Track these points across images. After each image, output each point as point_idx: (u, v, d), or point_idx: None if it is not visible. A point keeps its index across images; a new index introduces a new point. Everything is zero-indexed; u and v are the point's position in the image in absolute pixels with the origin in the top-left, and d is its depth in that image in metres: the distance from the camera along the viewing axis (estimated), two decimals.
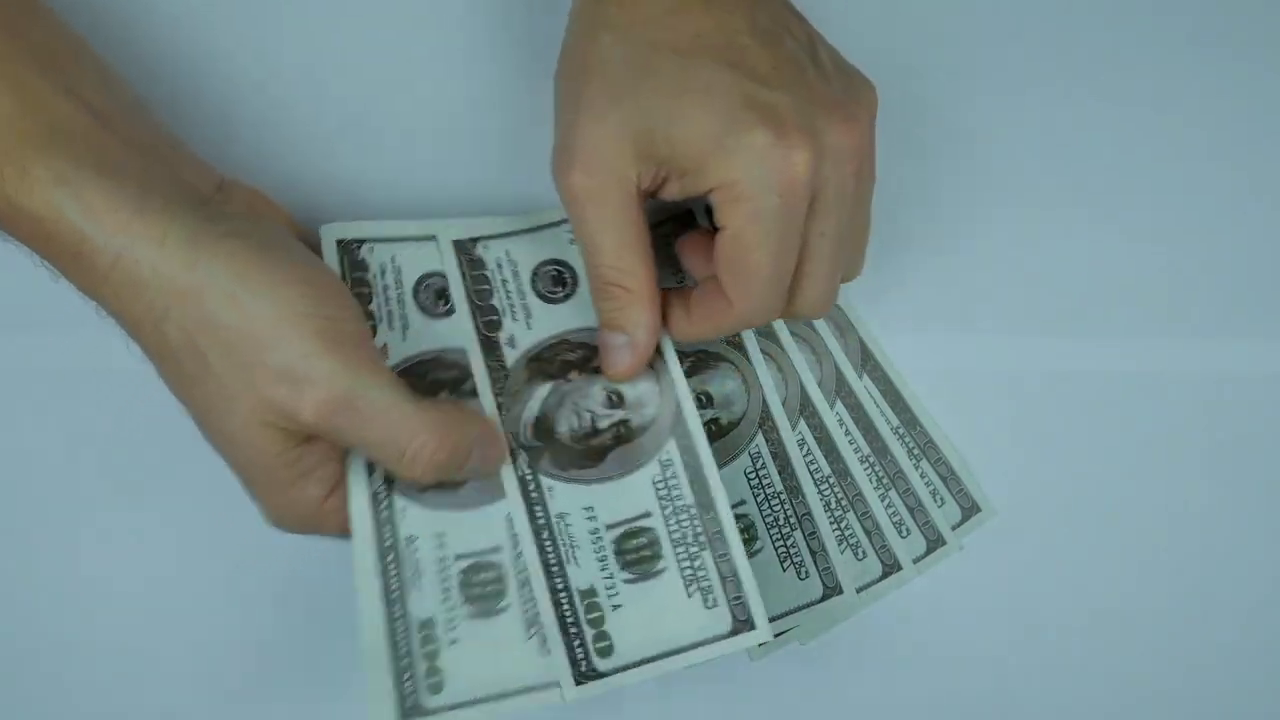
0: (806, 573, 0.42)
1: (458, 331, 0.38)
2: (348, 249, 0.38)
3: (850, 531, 0.42)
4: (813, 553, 0.42)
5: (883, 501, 0.43)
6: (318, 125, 0.42)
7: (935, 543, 0.43)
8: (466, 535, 0.36)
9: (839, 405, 0.43)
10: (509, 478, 0.37)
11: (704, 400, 0.40)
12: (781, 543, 0.42)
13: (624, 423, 0.38)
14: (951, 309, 0.44)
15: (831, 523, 0.42)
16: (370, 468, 0.35)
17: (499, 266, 0.40)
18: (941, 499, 0.43)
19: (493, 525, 0.36)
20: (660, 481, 0.37)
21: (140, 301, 0.30)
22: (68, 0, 0.36)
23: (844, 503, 0.42)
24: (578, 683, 0.35)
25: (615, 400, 0.38)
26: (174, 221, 0.30)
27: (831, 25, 0.45)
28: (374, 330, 0.37)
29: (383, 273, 0.38)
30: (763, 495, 0.42)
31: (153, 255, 0.30)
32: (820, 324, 0.44)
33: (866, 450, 0.43)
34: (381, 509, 0.35)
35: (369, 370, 0.32)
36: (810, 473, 0.42)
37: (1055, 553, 0.43)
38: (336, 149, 0.42)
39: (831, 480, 0.42)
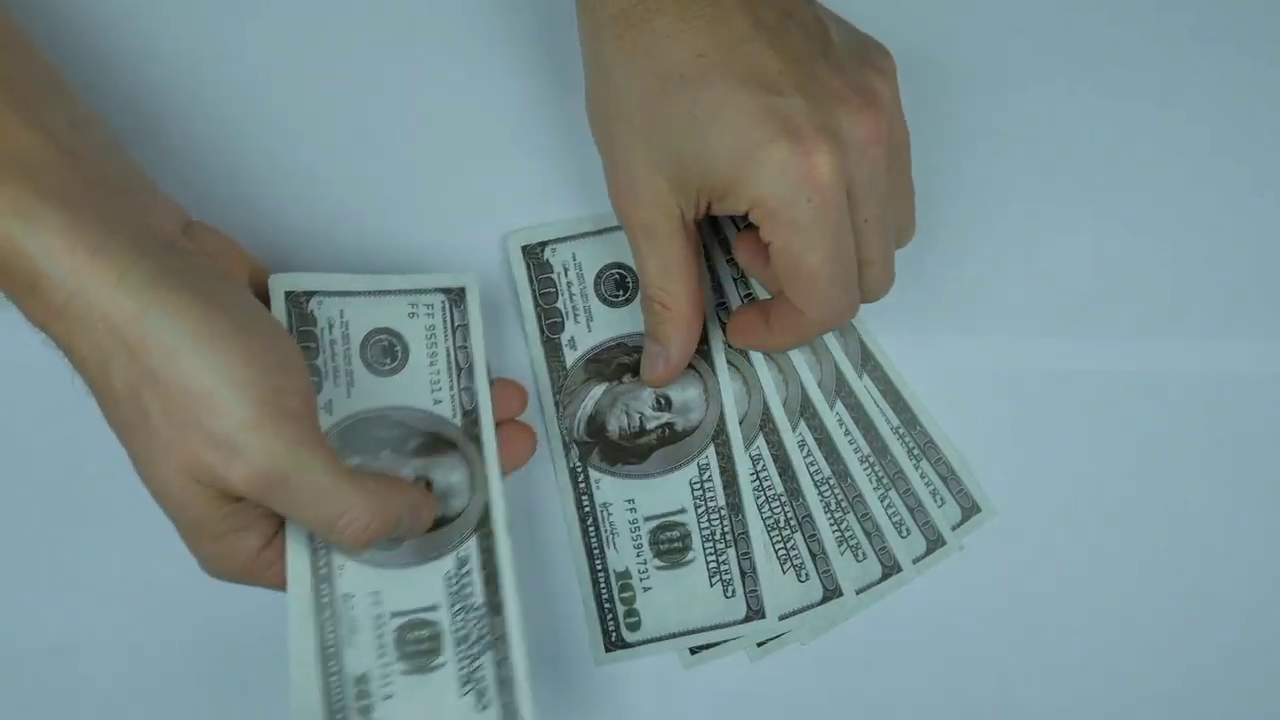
0: (806, 575, 0.42)
1: (404, 390, 0.38)
2: (296, 301, 0.37)
3: (850, 533, 0.42)
4: (813, 555, 0.42)
5: (883, 502, 0.43)
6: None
7: (935, 543, 0.43)
8: (403, 593, 0.36)
9: (839, 405, 0.43)
10: (561, 469, 0.41)
11: (663, 403, 0.42)
12: (782, 545, 0.42)
13: (669, 425, 0.41)
14: (951, 309, 0.44)
15: (831, 524, 0.42)
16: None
17: (564, 270, 0.42)
18: (941, 499, 0.43)
19: (430, 584, 0.36)
20: (697, 483, 0.41)
21: (88, 342, 0.30)
22: (39, 33, 0.36)
23: (844, 504, 0.42)
24: (607, 650, 0.40)
25: (663, 404, 0.41)
26: (131, 267, 0.30)
27: None
28: (319, 386, 0.37)
29: (330, 327, 0.38)
30: (763, 497, 0.42)
31: (104, 299, 0.30)
32: None
33: (866, 450, 0.43)
34: (320, 566, 0.35)
35: (305, 446, 0.31)
36: (810, 474, 0.42)
37: (1055, 553, 0.43)
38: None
39: (831, 481, 0.42)
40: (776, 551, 0.42)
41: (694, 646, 0.41)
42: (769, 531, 0.42)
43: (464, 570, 0.37)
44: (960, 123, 0.45)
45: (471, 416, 0.38)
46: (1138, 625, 0.43)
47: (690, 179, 0.34)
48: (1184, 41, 0.46)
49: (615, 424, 0.41)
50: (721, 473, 0.41)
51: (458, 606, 0.37)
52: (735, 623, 0.40)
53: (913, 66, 0.44)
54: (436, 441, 0.38)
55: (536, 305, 0.42)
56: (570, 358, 0.42)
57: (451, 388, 0.38)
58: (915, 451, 0.43)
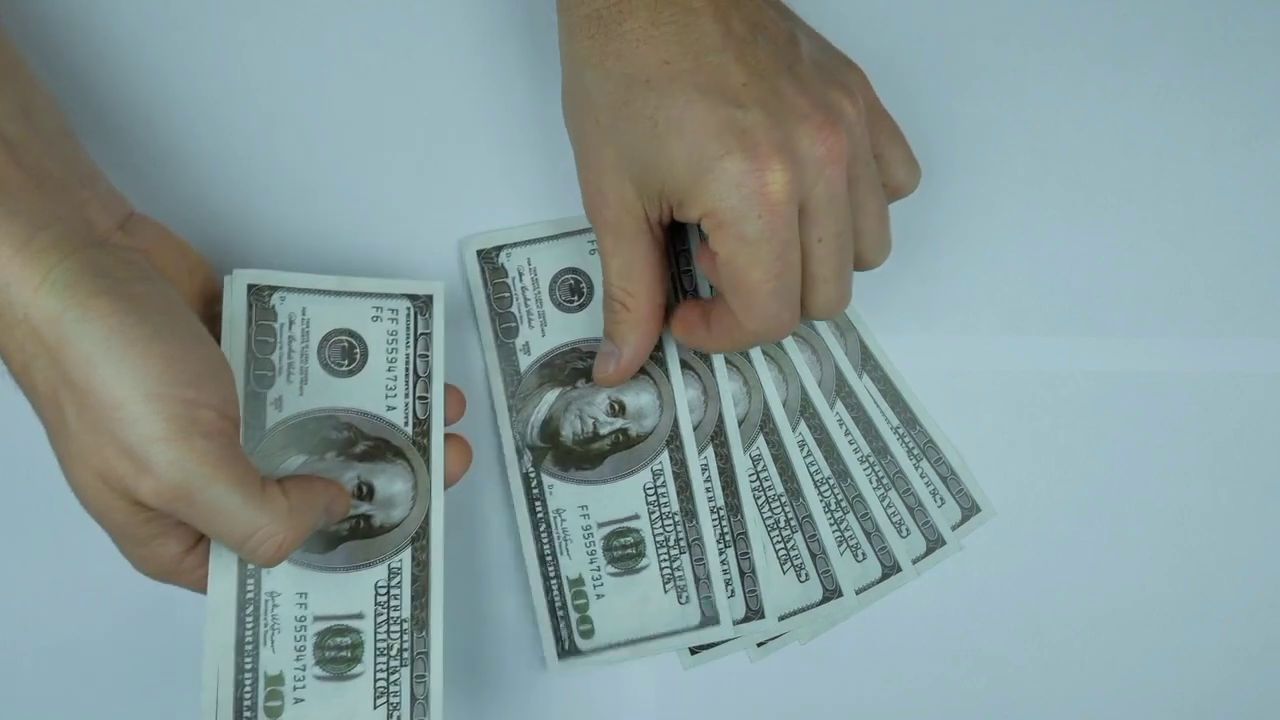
0: (806, 575, 0.42)
1: (357, 392, 0.37)
2: (259, 294, 0.37)
3: (850, 533, 0.42)
4: (813, 555, 0.42)
5: (883, 502, 0.43)
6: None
7: (935, 543, 0.43)
8: (330, 598, 0.36)
9: (839, 405, 0.43)
10: (514, 475, 0.40)
11: (617, 408, 0.41)
12: (782, 545, 0.42)
13: (623, 431, 0.41)
14: (951, 309, 0.44)
15: (831, 524, 0.42)
16: None
17: (519, 274, 0.41)
18: (941, 499, 0.43)
19: (359, 591, 0.36)
20: (650, 489, 0.41)
21: (13, 340, 0.30)
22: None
23: (844, 504, 0.42)
24: (560, 657, 0.40)
25: (617, 410, 0.41)
26: (55, 265, 0.30)
27: (830, 24, 0.44)
28: (270, 381, 0.36)
29: (290, 323, 0.37)
30: (763, 497, 0.42)
31: (26, 299, 0.29)
32: (820, 324, 0.44)
33: (866, 450, 0.43)
34: (248, 562, 0.35)
35: (214, 465, 0.30)
36: (810, 474, 0.42)
37: (1055, 553, 0.43)
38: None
39: (831, 482, 0.42)
40: (777, 551, 0.42)
41: (693, 647, 0.41)
42: (770, 533, 0.42)
43: (394, 581, 0.36)
44: (960, 123, 0.45)
45: (423, 426, 0.38)
46: (1138, 625, 0.43)
47: (653, 183, 0.34)
48: (1182, 44, 0.46)
49: (569, 429, 0.41)
50: (675, 478, 0.41)
51: (383, 617, 0.36)
52: (689, 629, 0.40)
53: (912, 69, 0.44)
54: (383, 448, 0.37)
55: (491, 309, 0.41)
56: (524, 362, 0.41)
57: (407, 395, 0.38)
58: (915, 451, 0.43)
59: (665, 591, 0.40)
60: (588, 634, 0.40)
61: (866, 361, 0.44)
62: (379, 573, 0.36)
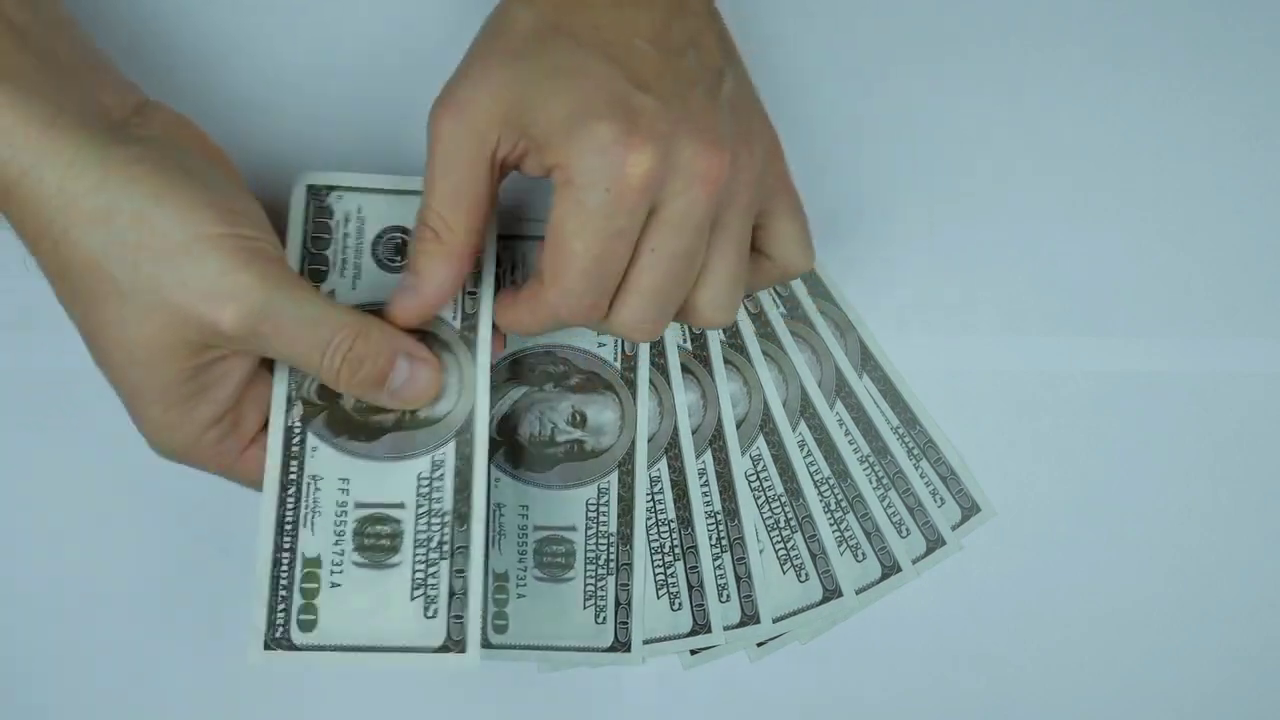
0: (806, 575, 0.42)
1: None
2: (316, 193, 0.38)
3: (850, 533, 0.42)
4: (813, 555, 0.42)
5: (882, 502, 0.43)
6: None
7: (935, 543, 0.43)
8: (371, 485, 0.36)
9: (839, 405, 0.43)
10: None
11: (578, 419, 0.41)
12: (782, 545, 0.42)
13: (579, 442, 0.41)
14: (951, 309, 0.44)
15: (831, 524, 0.42)
16: (288, 402, 0.36)
17: (345, 219, 0.39)
18: (941, 499, 0.43)
19: (401, 481, 0.36)
20: (593, 505, 0.41)
21: (40, 219, 0.30)
22: None
23: (844, 504, 0.42)
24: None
25: (578, 420, 0.41)
26: (85, 144, 0.30)
27: (830, 24, 0.44)
28: (324, 275, 0.38)
29: (346, 220, 0.38)
30: (763, 498, 0.42)
31: (59, 174, 0.30)
32: (820, 324, 0.44)
33: (866, 450, 0.43)
34: (294, 444, 0.36)
35: (289, 281, 0.32)
36: (810, 474, 0.42)
37: (1055, 553, 0.43)
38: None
39: (831, 481, 0.43)
40: (776, 552, 0.42)
41: (694, 649, 0.41)
42: (769, 533, 0.42)
43: (437, 474, 0.36)
44: (960, 123, 0.45)
45: (470, 321, 0.38)
46: (1137, 625, 0.43)
47: (523, 118, 0.33)
48: (1184, 41, 0.46)
49: (527, 428, 0.41)
50: (619, 501, 0.41)
51: (424, 509, 0.36)
52: (601, 650, 0.40)
53: (911, 69, 0.44)
54: (430, 340, 0.37)
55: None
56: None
57: (458, 298, 0.38)
58: (915, 451, 0.43)
59: (585, 607, 0.40)
60: (501, 629, 0.40)
61: (866, 361, 0.44)
62: (421, 464, 0.36)
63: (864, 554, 0.42)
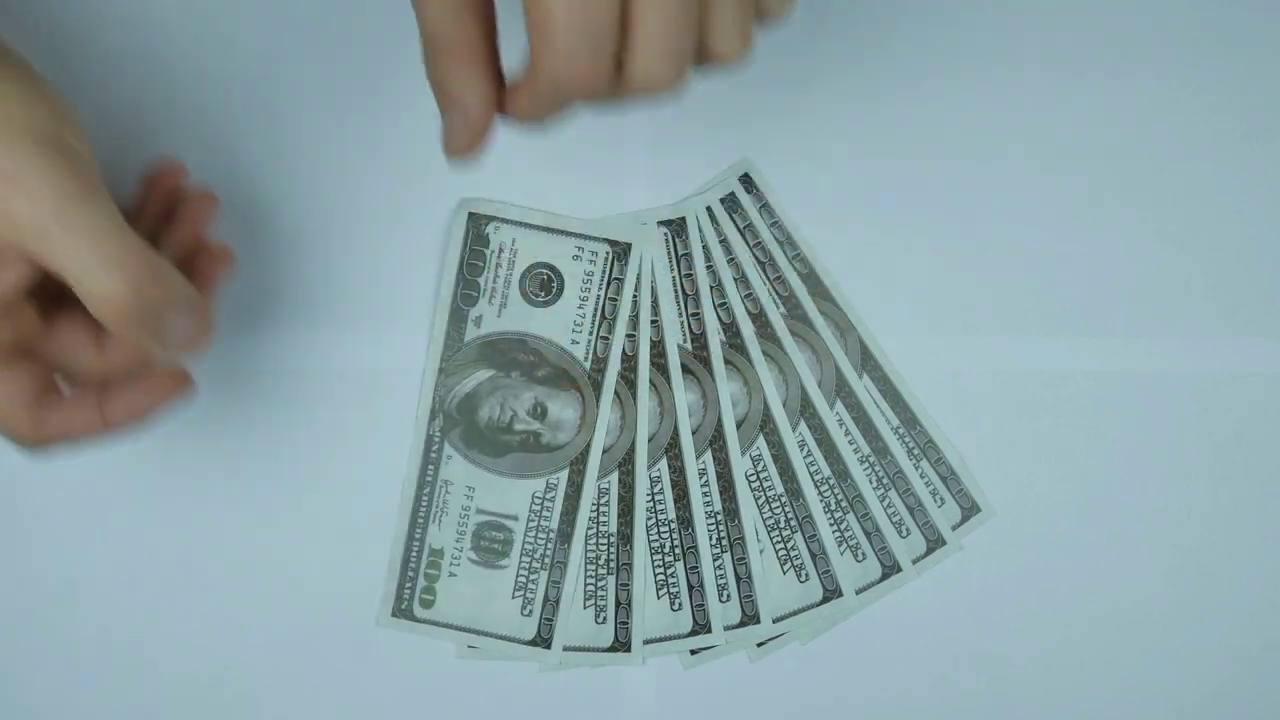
0: (806, 575, 0.42)
1: (548, 323, 0.42)
2: (476, 221, 0.42)
3: (850, 533, 0.42)
4: (813, 555, 0.42)
5: (882, 502, 0.43)
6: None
7: (935, 543, 0.43)
8: (492, 496, 0.42)
9: (839, 405, 0.43)
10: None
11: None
12: (782, 545, 0.42)
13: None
14: (951, 309, 0.44)
15: (831, 524, 0.42)
16: (431, 413, 0.41)
17: (500, 250, 0.42)
18: (941, 499, 0.43)
19: (518, 497, 0.42)
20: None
21: None
22: None
23: (844, 504, 0.42)
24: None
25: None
26: None
27: (830, 24, 0.44)
28: (475, 300, 0.42)
29: (500, 251, 0.42)
30: (763, 498, 0.42)
31: None
32: (820, 324, 0.44)
33: (866, 450, 0.43)
34: (433, 450, 0.41)
35: (87, 184, 0.30)
36: (810, 474, 0.42)
37: (1055, 553, 0.43)
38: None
39: (831, 482, 0.43)
40: (777, 552, 0.42)
41: (694, 649, 0.41)
42: (769, 533, 0.42)
43: (549, 495, 0.41)
44: (960, 122, 0.45)
45: (600, 365, 0.42)
46: (1137, 625, 0.43)
47: None
48: (1184, 41, 0.46)
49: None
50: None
51: (533, 524, 0.41)
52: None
53: (911, 69, 0.44)
54: (562, 377, 0.42)
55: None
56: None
57: (591, 333, 0.42)
58: (915, 451, 0.43)
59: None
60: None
61: (866, 362, 0.44)
62: (537, 484, 0.42)
63: (864, 554, 0.42)
